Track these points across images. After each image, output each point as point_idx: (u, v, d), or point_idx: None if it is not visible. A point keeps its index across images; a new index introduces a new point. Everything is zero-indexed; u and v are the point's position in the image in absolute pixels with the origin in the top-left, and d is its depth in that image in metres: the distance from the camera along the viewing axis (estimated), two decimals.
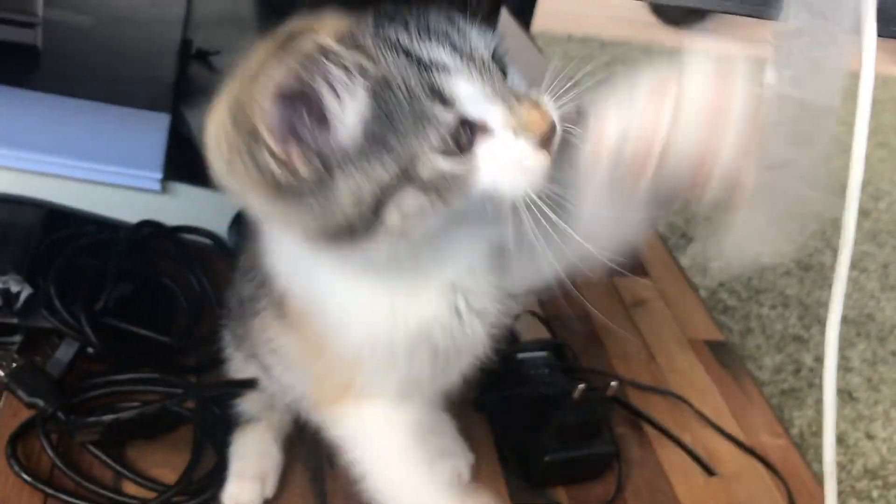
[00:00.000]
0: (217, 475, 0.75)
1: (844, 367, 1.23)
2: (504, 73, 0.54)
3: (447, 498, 0.64)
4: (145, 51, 1.13)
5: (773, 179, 0.55)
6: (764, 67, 0.55)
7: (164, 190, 0.99)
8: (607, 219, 0.55)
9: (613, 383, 0.82)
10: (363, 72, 0.50)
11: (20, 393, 0.77)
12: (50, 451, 0.73)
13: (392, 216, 0.52)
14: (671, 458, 0.89)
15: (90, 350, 0.83)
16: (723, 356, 1.07)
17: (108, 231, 0.96)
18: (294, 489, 0.77)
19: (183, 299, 0.93)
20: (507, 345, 0.73)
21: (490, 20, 0.56)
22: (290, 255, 0.61)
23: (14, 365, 0.79)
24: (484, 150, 0.52)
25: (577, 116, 0.55)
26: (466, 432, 0.84)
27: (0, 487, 0.71)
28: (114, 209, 0.97)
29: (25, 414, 0.76)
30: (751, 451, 0.92)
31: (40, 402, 0.76)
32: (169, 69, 1.12)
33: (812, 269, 1.38)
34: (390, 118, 0.50)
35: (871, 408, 1.14)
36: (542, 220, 0.53)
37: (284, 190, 0.51)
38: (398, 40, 0.51)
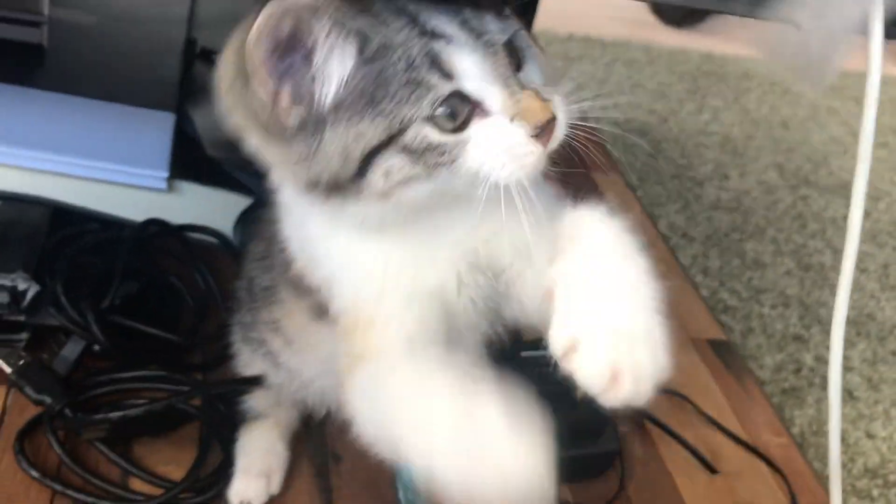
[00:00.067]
0: (223, 472, 0.76)
1: (845, 366, 1.23)
2: (519, 64, 0.55)
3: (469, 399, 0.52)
4: (150, 50, 1.13)
5: None
6: None
7: (170, 189, 0.99)
8: None
9: None
10: (359, 31, 0.51)
11: (27, 390, 0.77)
12: (57, 448, 0.74)
13: (377, 177, 0.52)
14: (674, 456, 0.90)
15: (96, 347, 0.83)
16: (725, 355, 1.08)
17: (114, 229, 0.96)
18: (300, 486, 0.78)
19: (189, 297, 0.94)
20: (511, 343, 0.73)
21: (522, 15, 0.57)
22: (298, 217, 0.62)
23: (21, 362, 0.79)
24: (477, 130, 0.52)
25: None
26: None
27: (8, 483, 0.72)
28: (120, 208, 0.98)
29: (33, 411, 0.77)
30: (753, 450, 0.93)
31: (47, 399, 0.76)
32: (173, 68, 1.13)
33: (812, 269, 1.39)
34: (386, 80, 0.51)
35: (872, 407, 1.14)
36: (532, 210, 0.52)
37: (273, 132, 0.53)
38: (407, 7, 0.52)
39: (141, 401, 0.78)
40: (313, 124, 0.52)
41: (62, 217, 0.95)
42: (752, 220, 1.53)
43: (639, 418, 0.93)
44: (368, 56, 0.51)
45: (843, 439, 1.15)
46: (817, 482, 0.92)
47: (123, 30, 1.13)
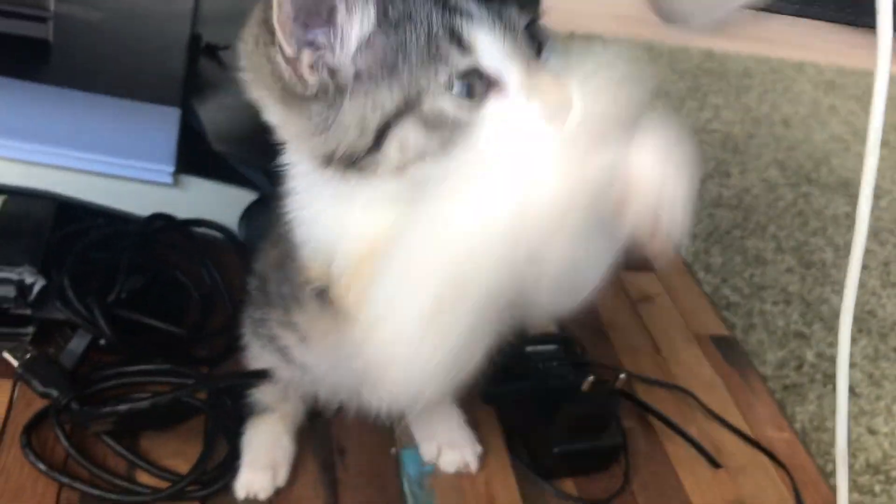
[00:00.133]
0: (229, 465, 0.76)
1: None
2: (539, 49, 0.55)
3: None
4: (155, 45, 1.13)
5: None
6: None
7: (175, 183, 0.99)
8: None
9: (622, 375, 0.83)
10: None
11: (34, 383, 0.77)
12: (64, 441, 0.74)
13: (392, 148, 0.53)
14: (678, 450, 0.90)
15: (103, 341, 0.83)
16: (728, 351, 1.08)
17: (120, 224, 0.97)
18: (305, 479, 0.78)
19: (194, 291, 0.94)
20: (517, 338, 0.73)
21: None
22: (308, 199, 0.61)
23: (28, 356, 0.79)
24: (493, 106, 0.53)
25: None
26: (475, 424, 0.85)
27: (16, 477, 0.72)
28: (125, 202, 0.98)
29: (39, 404, 0.77)
30: (756, 445, 0.93)
31: (54, 393, 0.77)
32: (179, 64, 1.13)
33: (814, 267, 1.39)
34: (405, 50, 0.52)
35: (873, 403, 1.14)
36: None
37: (293, 96, 0.53)
38: None
39: (147, 394, 0.78)
40: (332, 93, 0.53)
41: (68, 211, 0.95)
42: (754, 217, 1.53)
43: (643, 413, 0.93)
44: (390, 25, 0.52)
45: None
46: (821, 477, 0.92)
47: (129, 25, 1.13)
